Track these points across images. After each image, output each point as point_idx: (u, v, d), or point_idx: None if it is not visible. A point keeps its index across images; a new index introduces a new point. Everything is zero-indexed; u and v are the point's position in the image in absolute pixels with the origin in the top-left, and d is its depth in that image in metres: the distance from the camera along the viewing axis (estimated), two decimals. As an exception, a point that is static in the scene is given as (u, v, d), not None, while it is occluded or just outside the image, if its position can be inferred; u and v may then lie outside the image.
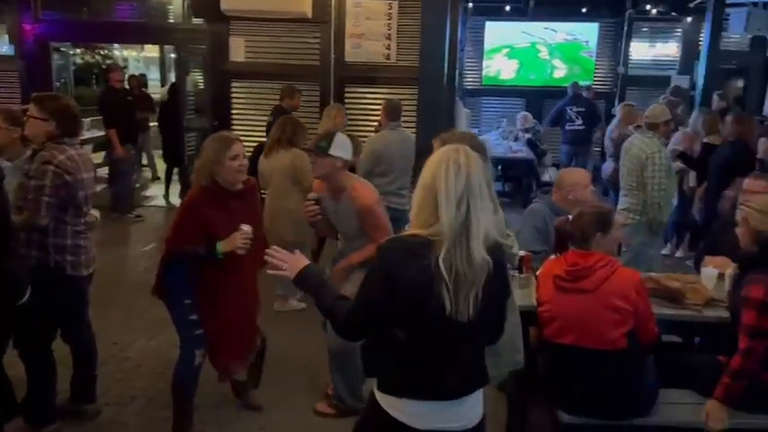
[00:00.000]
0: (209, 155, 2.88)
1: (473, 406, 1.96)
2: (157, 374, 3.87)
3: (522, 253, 3.41)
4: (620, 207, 4.80)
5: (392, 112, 4.87)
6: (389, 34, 7.28)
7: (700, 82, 7.35)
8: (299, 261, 2.01)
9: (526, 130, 9.50)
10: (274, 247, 2.07)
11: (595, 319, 2.66)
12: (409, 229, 1.85)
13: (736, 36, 9.94)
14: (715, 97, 9.19)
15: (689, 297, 3.09)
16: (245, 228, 2.89)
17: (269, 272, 2.06)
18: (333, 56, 7.39)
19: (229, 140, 2.92)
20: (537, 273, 3.20)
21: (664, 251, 6.65)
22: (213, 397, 3.57)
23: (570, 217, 2.86)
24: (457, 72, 7.67)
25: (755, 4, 8.12)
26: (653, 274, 3.41)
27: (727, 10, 8.69)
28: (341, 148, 3.12)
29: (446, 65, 3.28)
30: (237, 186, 2.97)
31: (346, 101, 7.21)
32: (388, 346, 1.87)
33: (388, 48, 7.27)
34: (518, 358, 2.52)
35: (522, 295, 3.21)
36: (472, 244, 1.75)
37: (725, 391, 2.65)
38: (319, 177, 3.27)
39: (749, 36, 9.63)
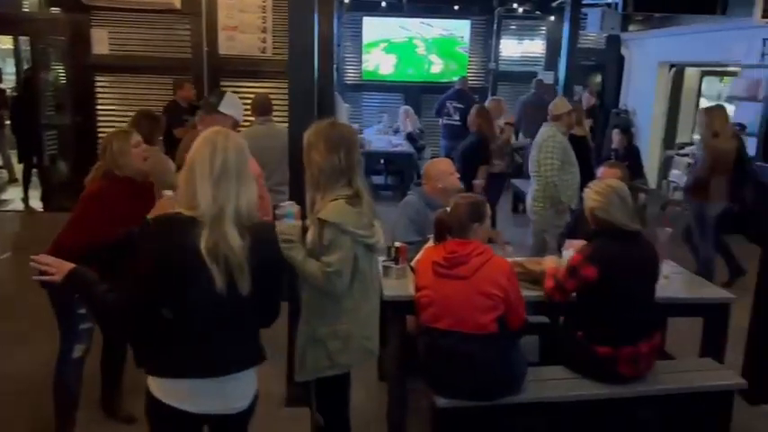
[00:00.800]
0: (113, 148, 2.92)
1: (246, 387, 2.00)
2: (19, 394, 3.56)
3: (397, 244, 3.48)
4: (528, 196, 5.20)
5: (259, 107, 4.75)
6: (265, 27, 7.13)
7: (562, 77, 7.84)
8: (65, 264, 1.95)
9: (419, 132, 9.75)
10: (41, 255, 1.99)
11: (469, 304, 2.76)
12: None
13: (593, 34, 10.72)
14: (586, 94, 9.88)
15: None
16: None
17: (33, 278, 1.99)
18: (206, 49, 7.14)
19: (127, 131, 3.06)
20: (412, 263, 3.26)
21: (533, 237, 7.05)
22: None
23: (448, 209, 2.93)
24: (334, 66, 7.66)
25: (609, 5, 8.79)
26: (518, 258, 3.59)
27: (585, 10, 9.34)
28: (231, 105, 3.07)
29: (316, 59, 3.24)
30: (143, 176, 2.99)
31: (221, 96, 6.97)
32: (154, 328, 1.88)
33: (264, 41, 7.13)
34: (369, 345, 2.53)
35: (398, 286, 3.27)
36: (227, 225, 1.81)
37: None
38: None
39: (605, 34, 10.43)
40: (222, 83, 7.20)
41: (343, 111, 7.88)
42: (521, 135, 9.11)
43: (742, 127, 7.87)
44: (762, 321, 3.72)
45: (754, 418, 3.63)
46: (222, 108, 3.02)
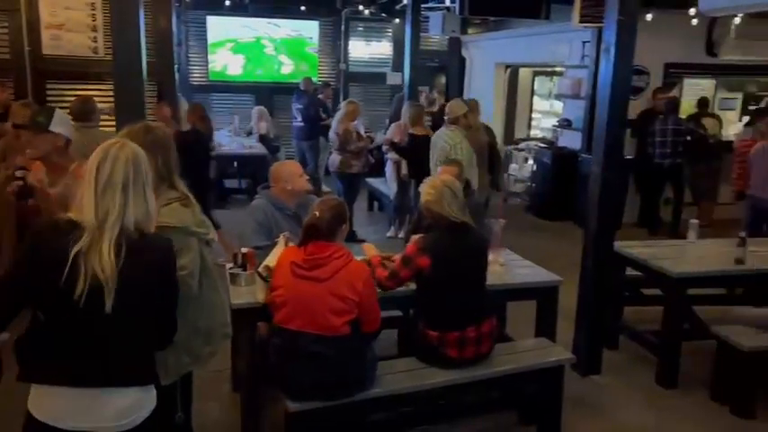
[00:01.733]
0: None
1: (124, 405, 1.88)
2: None
3: (244, 250, 3.40)
4: None
5: (77, 113, 4.35)
6: (95, 26, 6.66)
7: (406, 78, 8.10)
8: None
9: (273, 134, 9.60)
10: None
11: (322, 306, 2.75)
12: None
13: (436, 37, 11.20)
14: (434, 94, 10.28)
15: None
16: None
17: None
18: (27, 48, 6.52)
19: None
20: (259, 268, 3.20)
21: (388, 233, 7.25)
22: None
23: (317, 213, 2.88)
24: (176, 67, 7.33)
25: (449, 9, 9.21)
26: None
27: (427, 13, 9.73)
28: (62, 123, 2.82)
29: (144, 58, 3.07)
30: None
31: (49, 99, 6.42)
32: (31, 331, 1.87)
33: (95, 40, 6.66)
34: (228, 331, 2.54)
35: (247, 293, 3.20)
36: (104, 238, 1.79)
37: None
38: (38, 158, 2.92)
39: (447, 37, 10.94)
40: (49, 86, 6.61)
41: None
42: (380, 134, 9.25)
43: (569, 122, 8.65)
44: (586, 300, 4.10)
45: (585, 387, 4.00)
46: (53, 127, 2.77)
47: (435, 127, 8.00)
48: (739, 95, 11.28)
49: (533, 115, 11.25)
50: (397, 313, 3.70)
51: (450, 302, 3.07)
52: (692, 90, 10.29)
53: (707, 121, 8.00)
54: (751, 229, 5.17)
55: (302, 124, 9.14)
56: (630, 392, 3.95)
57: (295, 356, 2.82)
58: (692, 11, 6.01)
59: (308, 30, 11.16)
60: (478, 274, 3.17)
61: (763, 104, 8.21)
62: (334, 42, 11.40)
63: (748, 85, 11.30)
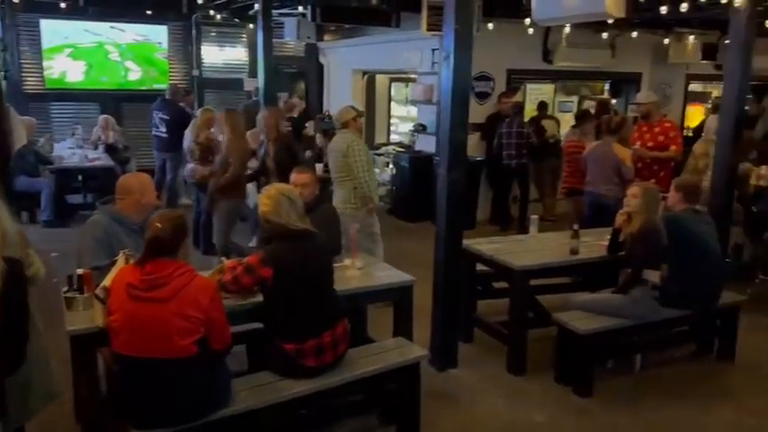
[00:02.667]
0: None
1: None
2: None
3: (79, 271, 3.14)
4: (335, 202, 5.13)
5: None
6: None
7: (261, 84, 7.97)
8: None
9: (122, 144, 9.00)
10: None
11: (165, 328, 2.59)
12: None
13: (293, 43, 11.15)
14: (295, 99, 10.15)
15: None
16: None
17: None
18: None
19: None
20: (96, 290, 2.97)
21: (250, 244, 7.06)
22: None
23: (159, 225, 2.69)
24: (3, 74, 6.66)
25: (304, 15, 9.19)
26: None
27: (282, 18, 9.64)
28: None
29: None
30: None
31: None
32: None
33: None
34: (50, 388, 2.31)
35: (85, 318, 2.96)
36: None
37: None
38: None
39: (303, 43, 10.92)
40: None
41: (20, 125, 6.89)
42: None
43: (424, 127, 8.96)
44: (438, 297, 4.24)
45: (443, 382, 4.15)
46: None
47: (296, 132, 8.00)
48: (575, 98, 12.34)
49: (392, 120, 11.52)
50: (247, 327, 3.61)
51: (302, 312, 3.03)
52: (535, 94, 11.10)
53: (547, 123, 8.64)
54: (590, 223, 5.66)
55: (166, 135, 8.64)
56: (484, 382, 4.14)
57: (138, 383, 2.65)
58: (528, 21, 6.44)
59: (157, 35, 10.63)
60: (325, 279, 3.15)
61: (589, 108, 8.97)
62: (186, 48, 10.96)
63: (582, 88, 12.41)
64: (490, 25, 7.54)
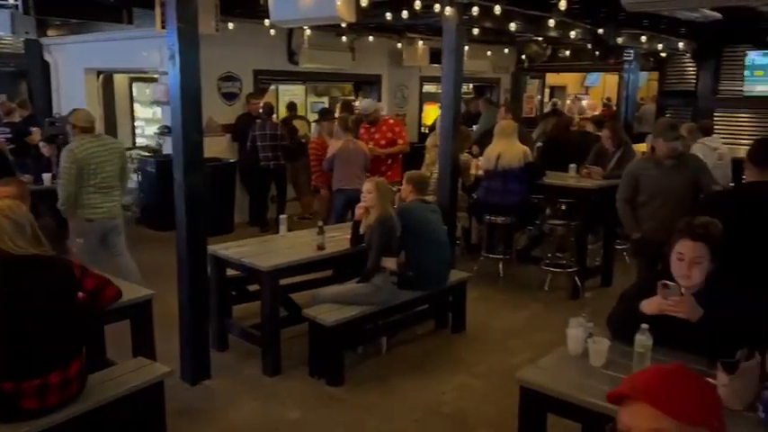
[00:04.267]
0: None
1: None
2: None
3: None
4: None
5: None
6: None
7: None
8: None
9: None
10: None
11: None
12: None
13: (10, 39, 9.76)
14: (13, 103, 8.84)
15: None
16: None
17: None
18: None
19: None
20: None
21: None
22: None
23: None
24: None
25: (17, 7, 8.06)
26: None
27: (-5, 10, 8.36)
28: None
29: None
30: None
31: None
32: None
33: None
34: None
35: None
36: None
37: None
38: None
39: (22, 39, 9.61)
40: None
41: None
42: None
43: (170, 129, 8.50)
44: (185, 308, 4.06)
45: (196, 395, 3.98)
46: None
47: (18, 139, 7.02)
48: (326, 99, 12.80)
49: (137, 123, 10.76)
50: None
51: (22, 347, 2.63)
52: (287, 95, 11.25)
53: (297, 123, 8.81)
54: (340, 218, 5.90)
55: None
56: (240, 389, 4.07)
57: None
58: (267, 21, 6.47)
59: None
60: (56, 310, 2.74)
61: (335, 107, 9.38)
62: None
63: (333, 90, 12.92)
64: (231, 25, 7.42)
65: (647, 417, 1.06)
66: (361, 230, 4.52)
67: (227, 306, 4.69)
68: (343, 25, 6.91)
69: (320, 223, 4.70)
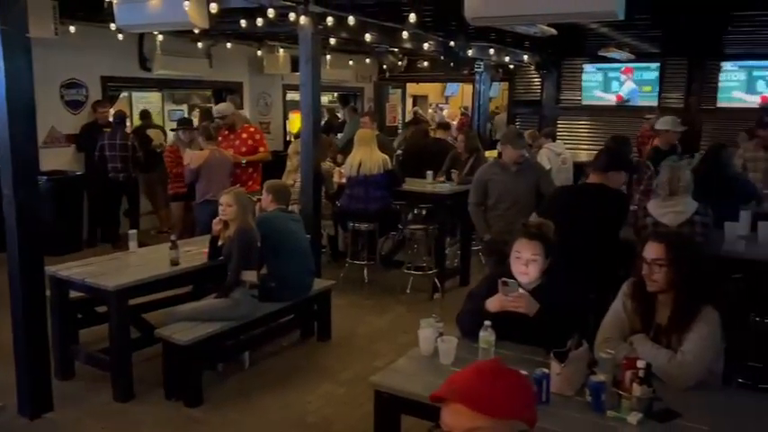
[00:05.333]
0: None
1: None
2: None
3: None
4: None
5: None
6: None
7: None
8: None
9: None
10: None
11: None
12: None
13: None
14: None
15: None
16: None
17: None
18: None
19: None
20: None
21: None
22: None
23: None
24: None
25: None
26: None
27: None
28: None
29: None
30: None
31: None
32: None
33: None
34: None
35: None
36: None
37: None
38: None
39: None
40: None
41: None
42: None
43: None
44: (19, 336, 3.70)
45: (36, 430, 3.64)
46: None
47: None
48: (185, 107, 12.31)
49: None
50: None
51: None
52: (142, 103, 10.68)
53: (152, 132, 8.37)
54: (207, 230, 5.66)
55: None
56: (88, 419, 3.77)
57: None
58: (113, 26, 6.09)
59: None
60: None
61: (192, 116, 9.06)
62: None
63: (194, 97, 12.44)
64: (72, 28, 6.93)
65: (463, 416, 1.12)
66: (220, 242, 4.39)
67: (71, 331, 4.33)
68: (196, 31, 6.68)
69: (173, 237, 4.49)
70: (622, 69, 10.67)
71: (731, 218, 4.15)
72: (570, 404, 2.34)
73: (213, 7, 4.84)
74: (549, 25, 5.70)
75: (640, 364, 2.28)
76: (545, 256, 2.83)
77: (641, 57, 9.83)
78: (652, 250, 2.59)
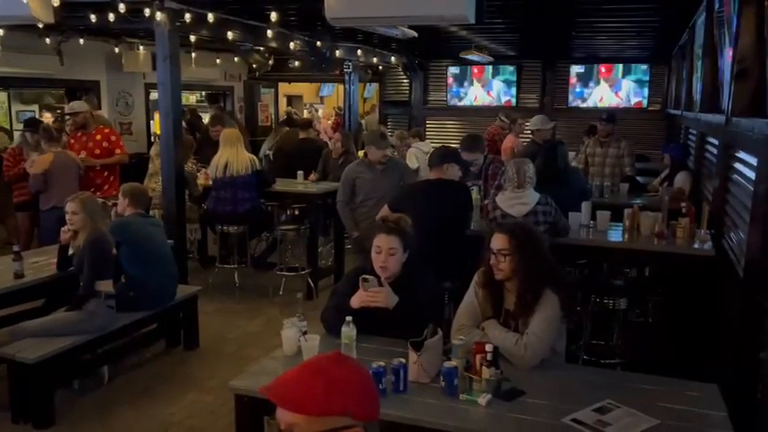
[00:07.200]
0: None
1: None
2: None
3: None
4: None
5: None
6: None
7: None
8: None
9: None
10: None
11: None
12: None
13: None
14: None
15: None
16: None
17: None
18: None
19: None
20: None
21: None
22: None
23: None
24: None
25: None
26: None
27: None
28: None
29: None
30: None
31: None
32: None
33: None
34: None
35: None
36: None
37: None
38: None
39: None
40: None
41: None
42: None
43: None
44: None
45: None
46: None
47: None
48: (36, 107, 11.38)
49: None
50: None
51: None
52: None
53: (-4, 136, 7.66)
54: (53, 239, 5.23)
55: None
56: None
57: None
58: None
59: None
60: None
61: (50, 118, 8.40)
62: None
63: (46, 97, 11.51)
64: None
65: (283, 414, 1.14)
66: (71, 252, 4.10)
67: None
68: (41, 26, 6.18)
69: (15, 248, 4.13)
70: (482, 71, 11.24)
71: (571, 207, 4.49)
72: (427, 391, 2.43)
73: (56, 0, 4.50)
74: (409, 27, 5.87)
75: (488, 347, 2.42)
76: (403, 249, 2.92)
77: (500, 59, 10.39)
78: (497, 241, 2.76)
